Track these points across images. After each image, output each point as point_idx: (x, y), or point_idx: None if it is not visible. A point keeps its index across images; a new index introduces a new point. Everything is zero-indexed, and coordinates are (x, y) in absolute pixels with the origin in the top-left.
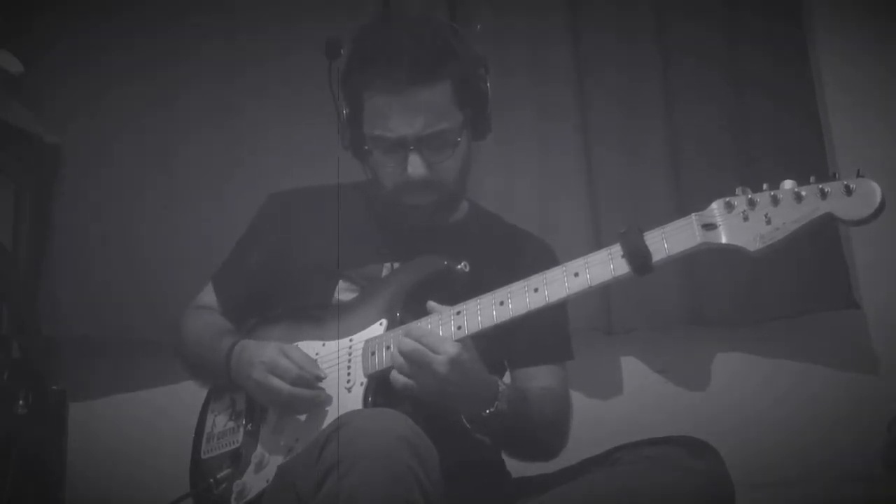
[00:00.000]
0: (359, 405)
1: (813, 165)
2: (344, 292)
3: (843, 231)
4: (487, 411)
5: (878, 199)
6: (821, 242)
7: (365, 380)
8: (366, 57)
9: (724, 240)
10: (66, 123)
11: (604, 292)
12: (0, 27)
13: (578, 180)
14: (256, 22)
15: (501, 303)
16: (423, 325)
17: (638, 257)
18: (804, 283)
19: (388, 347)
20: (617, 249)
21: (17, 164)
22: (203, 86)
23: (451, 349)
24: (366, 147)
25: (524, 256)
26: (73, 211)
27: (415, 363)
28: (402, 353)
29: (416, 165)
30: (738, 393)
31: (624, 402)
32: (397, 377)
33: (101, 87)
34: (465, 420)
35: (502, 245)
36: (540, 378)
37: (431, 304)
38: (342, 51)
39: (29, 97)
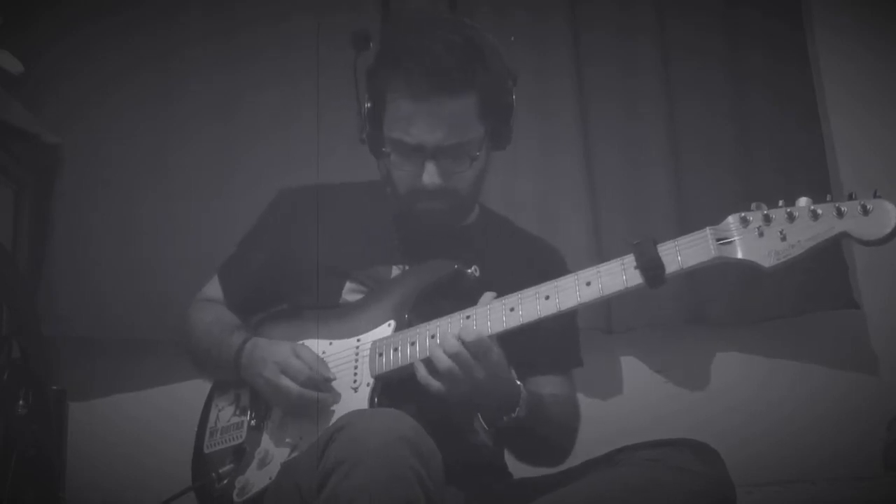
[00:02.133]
0: (364, 406)
1: (813, 164)
2: (350, 293)
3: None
4: (507, 417)
5: (894, 220)
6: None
7: (372, 380)
8: (395, 58)
9: (739, 255)
10: (66, 123)
11: None
12: (0, 27)
13: (578, 179)
14: (256, 21)
15: (512, 309)
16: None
17: (651, 269)
18: (804, 283)
19: (395, 349)
20: (630, 260)
21: (17, 164)
22: (202, 86)
23: (495, 357)
24: (384, 148)
25: (535, 263)
26: (73, 211)
27: (461, 366)
28: (448, 354)
29: (431, 174)
30: (737, 393)
31: (624, 402)
32: (430, 381)
33: (101, 87)
34: (482, 423)
35: (513, 250)
36: (550, 385)
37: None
38: (371, 44)
39: (29, 97)
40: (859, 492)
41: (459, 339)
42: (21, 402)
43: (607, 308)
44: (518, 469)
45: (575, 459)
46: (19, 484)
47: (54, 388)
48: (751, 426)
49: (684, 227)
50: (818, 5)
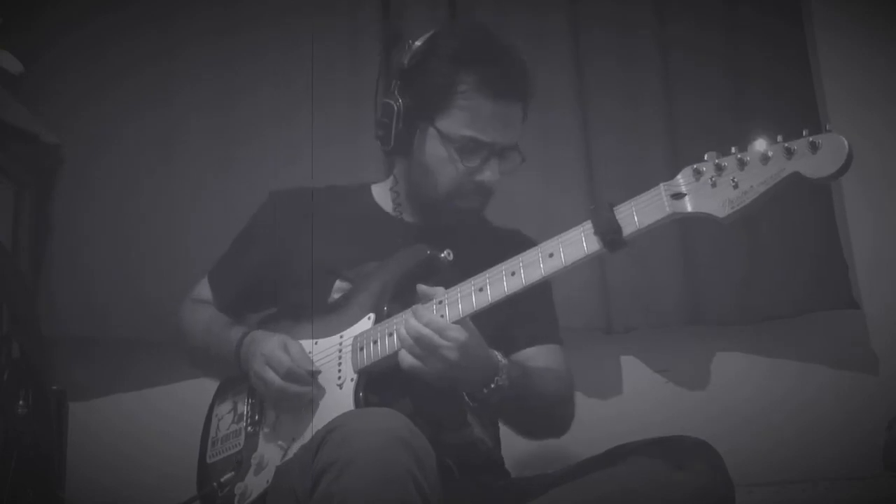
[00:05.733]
0: (349, 401)
1: None
2: (339, 291)
3: (843, 230)
4: (487, 388)
5: (846, 153)
6: (820, 242)
7: (355, 376)
8: (472, 55)
9: (690, 208)
10: (65, 123)
11: (603, 291)
12: (0, 27)
13: (578, 174)
14: (254, 21)
15: (480, 289)
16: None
17: (609, 233)
18: (804, 282)
19: (375, 342)
20: (589, 226)
21: (17, 164)
22: (201, 86)
23: (460, 335)
24: (433, 143)
25: (507, 246)
26: (73, 211)
27: (424, 348)
28: (411, 336)
29: (494, 171)
30: (737, 393)
31: (624, 402)
32: (405, 357)
33: (101, 87)
34: (466, 397)
35: (494, 243)
36: (538, 358)
37: (421, 287)
38: (409, 43)
39: (29, 97)
40: (859, 492)
41: (417, 319)
42: (21, 402)
43: (607, 308)
44: (516, 468)
45: (574, 459)
46: (19, 484)
47: (54, 388)
48: (751, 426)
49: (685, 221)
50: (817, 1)
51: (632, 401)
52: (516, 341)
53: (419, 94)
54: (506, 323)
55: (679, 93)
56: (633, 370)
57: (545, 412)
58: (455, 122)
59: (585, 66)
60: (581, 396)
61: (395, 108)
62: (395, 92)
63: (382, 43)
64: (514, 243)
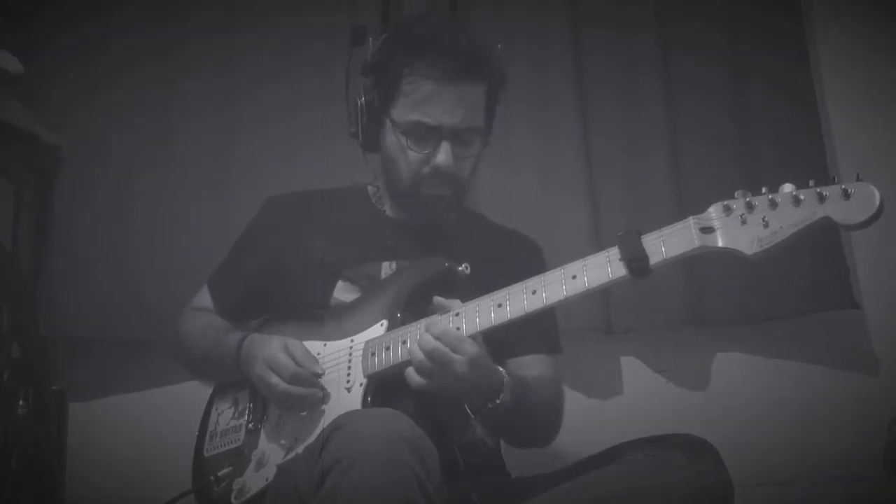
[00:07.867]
0: (358, 406)
1: (812, 159)
2: (343, 292)
3: (843, 231)
4: (492, 404)
5: (877, 203)
6: (821, 242)
7: (364, 380)
8: (415, 43)
9: (721, 243)
10: (65, 123)
11: (603, 292)
12: (0, 27)
13: (578, 176)
14: (254, 20)
15: (500, 305)
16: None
17: (635, 260)
18: (804, 283)
19: (387, 348)
20: (615, 252)
21: (17, 164)
22: (202, 86)
23: (472, 349)
24: (392, 135)
25: (518, 255)
26: (73, 211)
27: (435, 362)
28: (423, 350)
29: (447, 154)
30: (738, 393)
31: (624, 402)
32: (413, 376)
33: (101, 87)
34: (468, 410)
35: (496, 244)
36: (533, 367)
37: (438, 298)
38: (370, 40)
39: (29, 97)
40: (859, 492)
41: (430, 332)
42: (21, 402)
43: (607, 308)
44: (516, 468)
45: (574, 459)
46: (19, 484)
47: (54, 388)
48: (751, 426)
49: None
50: (817, 1)
51: (632, 401)
52: (515, 347)
53: (378, 88)
54: (507, 326)
55: (680, 93)
56: (633, 370)
57: (537, 423)
58: (402, 109)
59: (585, 66)
60: (581, 396)
61: (359, 104)
62: (361, 88)
63: (350, 42)
64: (515, 244)
